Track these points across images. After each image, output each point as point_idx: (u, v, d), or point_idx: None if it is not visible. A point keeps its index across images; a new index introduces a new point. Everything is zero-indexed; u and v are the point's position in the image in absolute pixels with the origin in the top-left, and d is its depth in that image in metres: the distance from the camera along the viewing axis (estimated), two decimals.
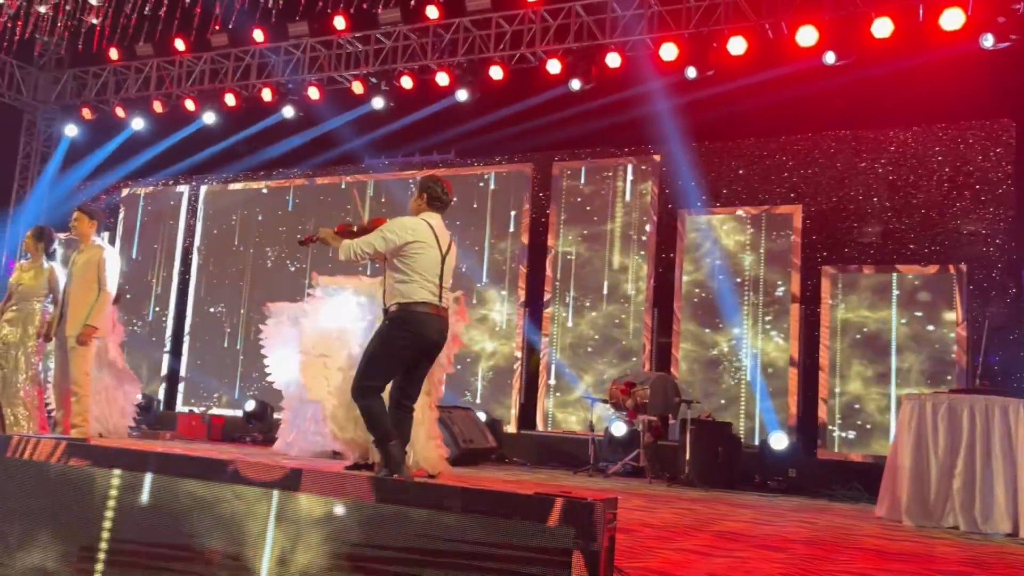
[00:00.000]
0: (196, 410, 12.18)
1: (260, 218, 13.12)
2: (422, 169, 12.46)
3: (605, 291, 10.71)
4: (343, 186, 12.69)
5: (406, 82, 11.84)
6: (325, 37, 12.34)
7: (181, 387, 13.03)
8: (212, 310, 13.09)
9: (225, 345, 12.83)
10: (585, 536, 2.58)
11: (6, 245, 14.65)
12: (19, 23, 11.36)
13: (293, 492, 2.89)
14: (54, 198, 14.23)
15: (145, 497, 3.14)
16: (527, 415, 10.79)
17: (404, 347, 4.72)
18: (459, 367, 9.93)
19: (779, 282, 9.82)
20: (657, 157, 10.84)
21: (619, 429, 9.11)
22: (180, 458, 3.17)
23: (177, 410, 12.52)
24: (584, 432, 9.52)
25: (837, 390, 9.21)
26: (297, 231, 12.50)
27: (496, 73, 11.30)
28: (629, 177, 10.95)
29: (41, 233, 6.86)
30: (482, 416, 9.82)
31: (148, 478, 3.16)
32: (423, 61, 11.85)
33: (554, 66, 10.95)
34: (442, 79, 11.58)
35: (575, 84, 10.84)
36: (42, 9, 10.60)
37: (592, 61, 10.81)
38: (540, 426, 10.61)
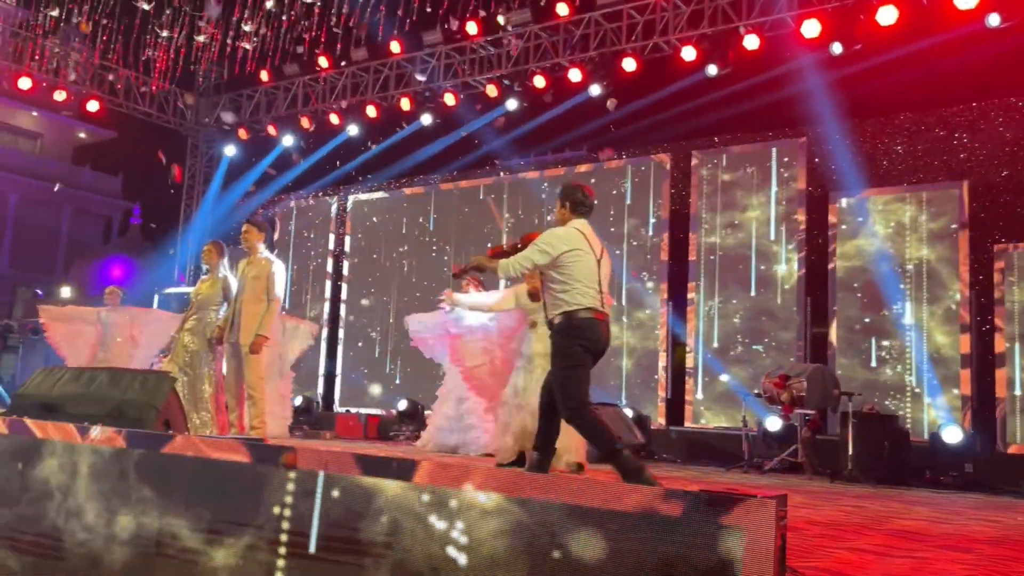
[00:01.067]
0: (352, 410, 12.73)
1: (403, 224, 13.54)
2: (557, 167, 12.49)
3: (753, 281, 10.35)
4: (480, 196, 12.90)
5: (539, 81, 11.90)
6: (458, 43, 12.60)
7: (337, 388, 13.66)
8: (363, 315, 13.64)
9: (377, 347, 13.34)
10: (756, 535, 2.49)
11: (177, 261, 15.84)
12: (181, 53, 12.27)
13: (485, 493, 2.92)
14: (217, 215, 15.25)
15: (325, 495, 3.30)
16: (674, 410, 10.59)
17: (583, 352, 4.71)
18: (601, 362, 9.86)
19: (945, 264, 9.17)
20: (803, 139, 10.37)
21: (774, 424, 8.78)
22: (373, 459, 3.30)
23: (335, 410, 13.13)
24: (736, 427, 9.25)
25: (1018, 378, 8.49)
26: (441, 233, 12.81)
27: (629, 65, 11.16)
28: (774, 162, 10.54)
29: (216, 246, 7.37)
30: (628, 412, 9.71)
31: (322, 476, 3.32)
32: (555, 59, 11.87)
33: (689, 53, 10.69)
34: (575, 75, 11.55)
35: (711, 70, 10.55)
36: (201, 39, 11.38)
37: (729, 45, 10.48)
38: (688, 422, 10.39)
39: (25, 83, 13.51)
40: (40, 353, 14.59)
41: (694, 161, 11.11)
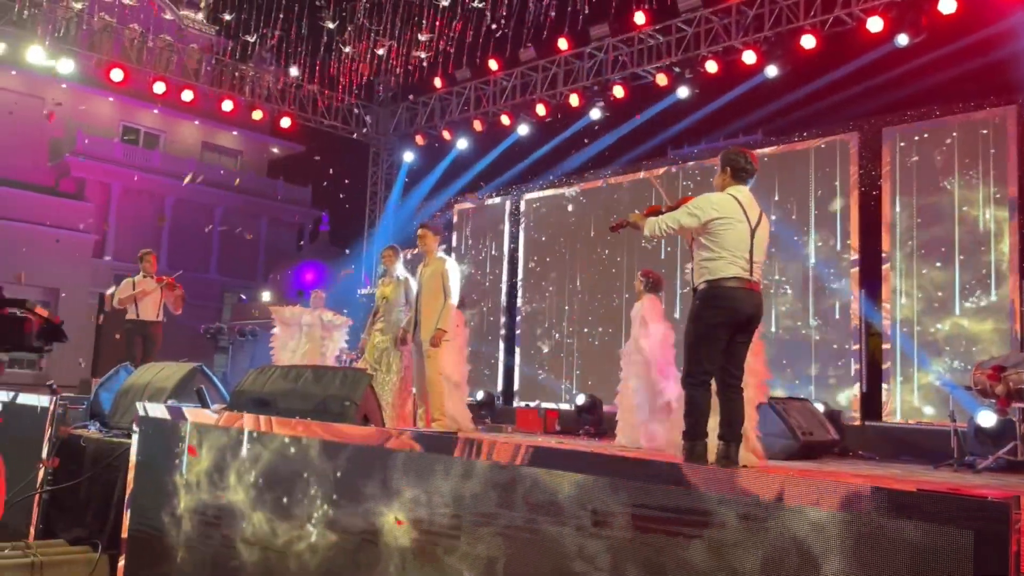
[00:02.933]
0: (532, 404, 12.94)
1: (577, 219, 13.59)
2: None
3: (956, 265, 9.54)
4: (641, 175, 12.69)
5: (711, 67, 11.57)
6: (626, 35, 12.48)
7: (516, 383, 13.93)
8: (540, 310, 13.82)
9: (554, 343, 13.48)
10: (989, 538, 2.28)
11: (363, 264, 16.74)
12: (362, 66, 12.95)
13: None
14: (400, 219, 15.98)
15: (498, 480, 3.38)
16: (870, 404, 9.95)
17: (717, 324, 4.52)
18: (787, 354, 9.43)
19: None
20: (1013, 106, 9.41)
21: (987, 419, 8.03)
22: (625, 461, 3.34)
23: (514, 404, 13.40)
24: (943, 423, 8.55)
25: None
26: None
27: (808, 42, 10.61)
28: (981, 132, 9.64)
29: (392, 249, 7.75)
30: (819, 407, 9.23)
31: (528, 471, 3.39)
32: (727, 42, 11.49)
33: (875, 24, 10.01)
34: (749, 57, 11.13)
35: (901, 40, 9.83)
36: (380, 52, 11.96)
37: (921, 11, 9.72)
38: (887, 416, 9.73)
39: (227, 105, 14.76)
40: (247, 353, 15.88)
41: (884, 138, 10.38)
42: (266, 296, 21.14)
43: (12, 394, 6.67)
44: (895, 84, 10.35)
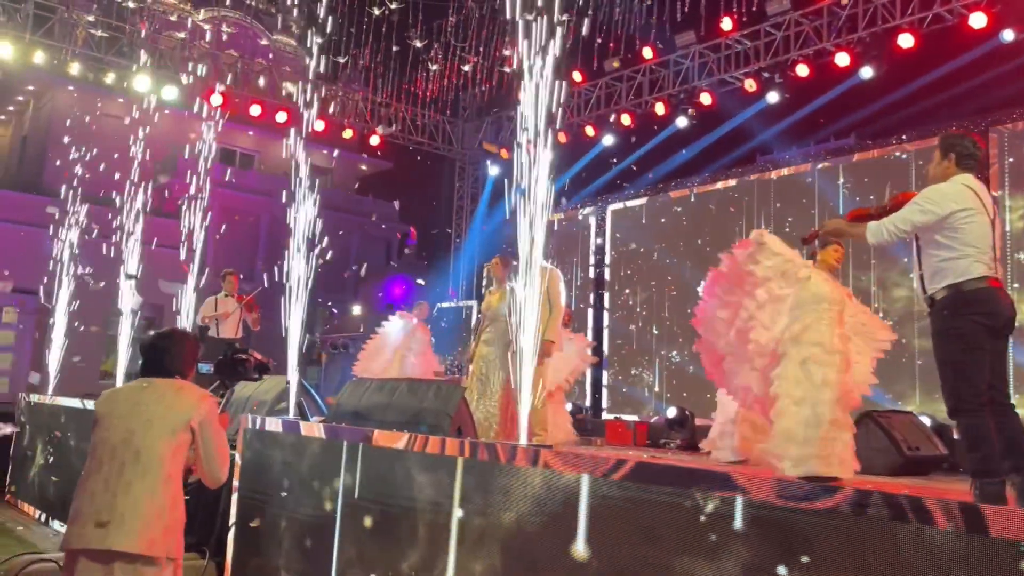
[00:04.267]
0: (622, 417, 12.81)
1: (666, 230, 13.42)
2: (824, 159, 11.72)
3: None
4: (735, 195, 12.44)
5: (801, 70, 11.28)
6: (713, 41, 12.30)
7: (605, 396, 13.82)
8: (628, 321, 13.70)
9: (642, 355, 13.33)
10: None
11: (450, 278, 16.94)
12: (448, 82, 13.15)
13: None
14: (487, 232, 16.12)
15: (604, 497, 3.33)
16: None
17: (979, 334, 3.81)
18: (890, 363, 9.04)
19: None
20: None
21: None
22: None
23: (603, 417, 13.29)
24: None
25: None
26: (701, 234, 12.55)
27: (906, 41, 10.24)
28: None
29: (502, 259, 7.72)
30: (925, 420, 8.82)
31: (599, 480, 3.35)
32: (819, 45, 11.18)
33: (978, 19, 9.58)
34: (842, 59, 10.81)
35: (1007, 35, 9.37)
36: (466, 68, 12.13)
37: None
38: None
39: (319, 125, 15.21)
40: (339, 365, 16.25)
41: (993, 136, 9.89)
42: (356, 310, 21.61)
43: None
44: (1001, 82, 9.87)
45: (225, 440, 3.43)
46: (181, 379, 3.41)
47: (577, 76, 14.00)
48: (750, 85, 11.89)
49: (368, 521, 4.37)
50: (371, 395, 6.24)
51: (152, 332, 3.56)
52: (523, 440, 4.75)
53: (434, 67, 12.54)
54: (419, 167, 20.35)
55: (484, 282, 11.02)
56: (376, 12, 11.81)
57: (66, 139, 12.46)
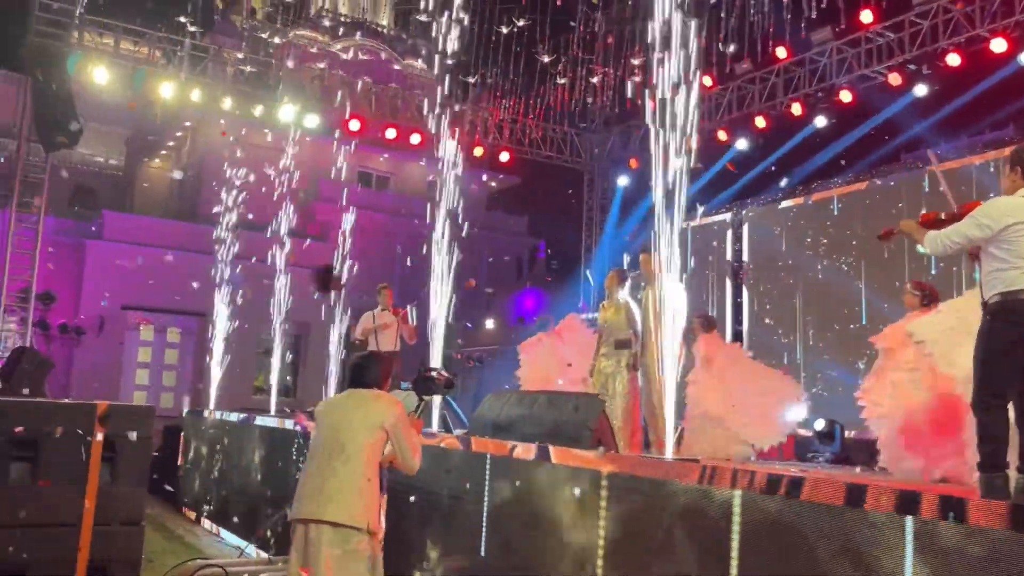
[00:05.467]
0: None
1: (806, 233, 12.88)
2: (980, 151, 10.93)
3: None
4: (931, 167, 11.70)
5: (952, 60, 10.59)
6: (852, 36, 11.76)
7: None
8: (768, 330, 13.22)
9: (786, 362, 12.81)
10: None
11: (581, 291, 16.91)
12: (575, 95, 13.19)
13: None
14: (617, 244, 16.01)
15: (765, 515, 3.20)
16: None
17: (1013, 341, 4.02)
18: None
19: None
20: None
21: None
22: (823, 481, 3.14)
23: None
24: None
25: None
26: (846, 238, 11.97)
27: None
28: None
29: (617, 273, 7.68)
30: None
31: (761, 498, 3.22)
32: (972, 32, 10.47)
33: None
34: (998, 46, 10.08)
35: None
36: (594, 80, 12.14)
37: None
38: None
39: (449, 145, 15.57)
40: (475, 379, 16.54)
41: None
42: (490, 324, 21.95)
43: (277, 419, 7.41)
44: None
45: (416, 438, 4.13)
46: (377, 390, 4.17)
47: (707, 80, 13.71)
48: (895, 79, 11.28)
49: (511, 530, 4.40)
50: (511, 408, 6.30)
51: (357, 355, 4.53)
52: (669, 453, 4.67)
53: (562, 80, 12.61)
54: (547, 180, 20.50)
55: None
56: (504, 30, 12.02)
57: (221, 170, 13.34)
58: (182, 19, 16.65)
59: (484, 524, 4.61)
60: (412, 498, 5.19)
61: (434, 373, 5.93)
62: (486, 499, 4.64)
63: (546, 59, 12.41)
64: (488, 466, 4.72)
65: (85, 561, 4.82)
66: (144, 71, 14.56)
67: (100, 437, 4.93)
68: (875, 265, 11.03)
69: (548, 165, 17.02)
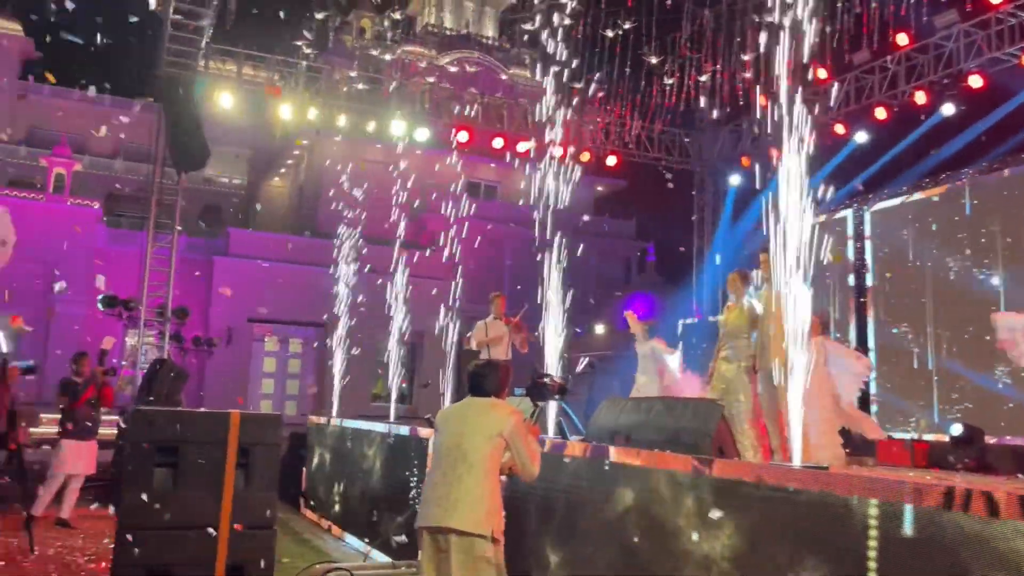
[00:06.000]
0: (895, 435, 11.75)
1: (934, 228, 12.19)
2: None
3: None
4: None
5: None
6: (980, 17, 11.08)
7: (874, 411, 12.76)
8: (894, 330, 12.58)
9: (915, 366, 12.15)
10: None
11: (693, 294, 16.59)
12: (683, 95, 12.97)
13: None
14: (731, 244, 15.63)
15: (908, 528, 3.02)
16: None
17: None
18: None
19: None
20: None
21: None
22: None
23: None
24: None
25: None
26: (980, 233, 11.25)
27: None
28: None
29: (740, 274, 7.45)
30: None
31: (907, 509, 3.04)
32: None
33: None
34: None
35: None
36: (703, 78, 11.90)
37: None
38: None
39: (557, 151, 15.60)
40: (586, 384, 16.44)
41: None
42: (599, 329, 21.82)
43: (399, 427, 7.59)
44: None
45: (534, 445, 4.16)
46: (495, 398, 4.21)
47: (822, 73, 13.22)
48: None
49: (625, 537, 4.34)
50: (627, 414, 6.23)
51: (475, 363, 4.47)
52: (796, 461, 4.49)
53: (669, 81, 12.43)
54: (655, 182, 20.21)
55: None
56: (610, 34, 11.96)
57: (336, 184, 13.84)
58: (298, 43, 17.38)
59: (604, 530, 4.57)
60: (531, 505, 5.20)
61: (547, 379, 6.03)
62: (607, 505, 4.60)
63: (653, 60, 12.26)
64: (608, 472, 4.67)
65: (224, 562, 5.06)
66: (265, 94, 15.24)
67: (235, 444, 5.18)
68: (1017, 261, 10.32)
69: (656, 167, 16.80)
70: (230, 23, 13.78)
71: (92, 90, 27.19)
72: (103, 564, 6.46)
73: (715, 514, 3.85)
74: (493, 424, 4.05)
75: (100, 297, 14.37)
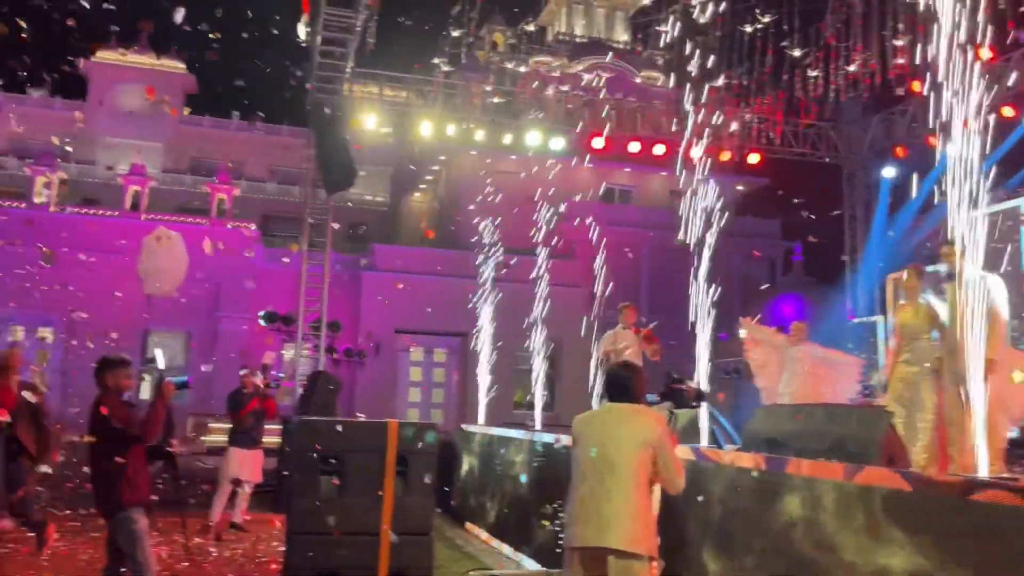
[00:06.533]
0: None
1: None
2: None
3: None
4: None
5: None
6: None
7: None
8: None
9: None
10: None
11: (848, 295, 15.77)
12: (828, 87, 12.37)
13: None
14: (888, 239, 14.77)
15: None
16: None
17: None
18: None
19: None
20: None
21: None
22: None
23: None
24: None
25: None
26: None
27: None
28: None
29: (915, 270, 6.96)
30: None
31: None
32: None
33: None
34: None
35: None
36: (852, 67, 11.33)
37: None
38: None
39: (696, 152, 15.27)
40: (732, 390, 15.95)
41: None
42: (743, 333, 21.12)
43: (543, 435, 7.61)
44: None
45: (677, 455, 3.91)
46: (637, 404, 3.93)
47: (985, 53, 12.28)
48: None
49: (792, 551, 4.14)
50: (785, 422, 5.98)
51: (613, 367, 4.23)
52: (983, 472, 4.14)
53: (814, 73, 11.90)
54: (800, 179, 19.41)
55: (890, 296, 10.00)
56: (748, 29, 11.59)
57: (474, 197, 14.11)
58: (435, 60, 17.89)
59: (767, 543, 4.39)
60: (688, 518, 5.08)
61: (683, 385, 5.75)
62: (773, 517, 4.41)
63: (796, 53, 11.77)
64: (768, 483, 4.49)
65: (386, 567, 5.23)
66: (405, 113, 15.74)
67: (393, 453, 5.35)
68: None
69: (800, 163, 16.15)
70: (370, 48, 14.36)
71: (243, 119, 29.15)
72: (273, 566, 6.83)
73: (887, 528, 3.61)
74: (640, 432, 3.76)
75: (261, 313, 15.30)
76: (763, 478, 4.56)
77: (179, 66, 30.68)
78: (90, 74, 29.74)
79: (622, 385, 3.96)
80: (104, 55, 29.72)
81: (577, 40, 27.51)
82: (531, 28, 27.14)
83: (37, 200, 23.75)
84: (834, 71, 12.73)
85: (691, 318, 6.45)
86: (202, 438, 17.70)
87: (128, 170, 25.57)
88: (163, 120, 28.92)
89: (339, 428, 5.39)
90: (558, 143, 15.58)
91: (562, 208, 24.18)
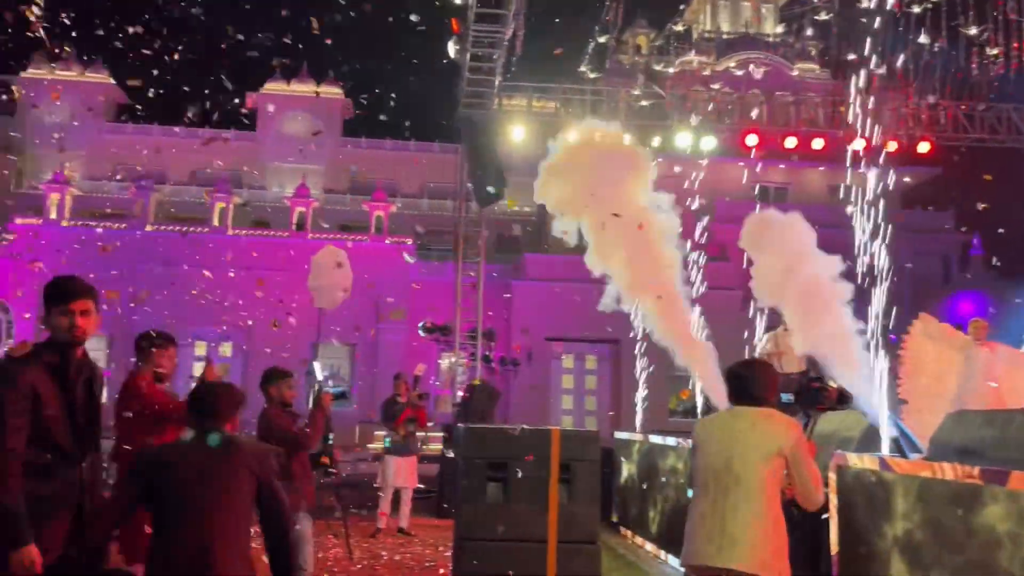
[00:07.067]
0: None
1: None
2: None
3: None
4: None
5: None
6: None
7: None
8: None
9: None
10: None
11: None
12: (1011, 64, 11.36)
13: None
14: None
15: None
16: None
17: None
18: None
19: None
20: None
21: None
22: None
23: None
24: None
25: None
26: None
27: None
28: None
29: None
30: None
31: None
32: None
33: None
34: None
35: None
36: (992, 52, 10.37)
37: None
38: None
39: (858, 144, 14.44)
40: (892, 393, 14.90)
41: None
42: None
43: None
44: None
45: (814, 465, 3.47)
46: (767, 407, 3.50)
47: None
48: None
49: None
50: (977, 429, 5.54)
51: (736, 364, 3.77)
52: None
53: (992, 51, 10.96)
54: (977, 166, 17.98)
55: None
56: (916, 9, 10.81)
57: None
58: (581, 68, 17.92)
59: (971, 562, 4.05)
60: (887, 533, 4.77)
61: (821, 384, 5.25)
62: (977, 532, 4.06)
63: (973, 31, 10.89)
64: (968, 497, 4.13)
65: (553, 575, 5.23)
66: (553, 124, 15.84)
67: (557, 460, 5.34)
68: None
69: (977, 149, 14.96)
70: (516, 60, 14.57)
71: (395, 137, 30.32)
72: (441, 571, 7.00)
73: None
74: (770, 440, 3.35)
75: (421, 324, 15.83)
76: (944, 489, 4.21)
77: (336, 92, 32.37)
78: (258, 105, 31.94)
79: (744, 384, 3.54)
80: (271, 87, 31.86)
81: (724, 36, 26.77)
82: (678, 29, 26.67)
83: (215, 224, 25.74)
84: (1014, 49, 11.69)
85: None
86: (368, 445, 18.51)
87: (293, 193, 27.23)
88: (323, 144, 30.61)
89: (503, 435, 5.45)
90: (709, 143, 15.19)
91: (715, 209, 23.62)
